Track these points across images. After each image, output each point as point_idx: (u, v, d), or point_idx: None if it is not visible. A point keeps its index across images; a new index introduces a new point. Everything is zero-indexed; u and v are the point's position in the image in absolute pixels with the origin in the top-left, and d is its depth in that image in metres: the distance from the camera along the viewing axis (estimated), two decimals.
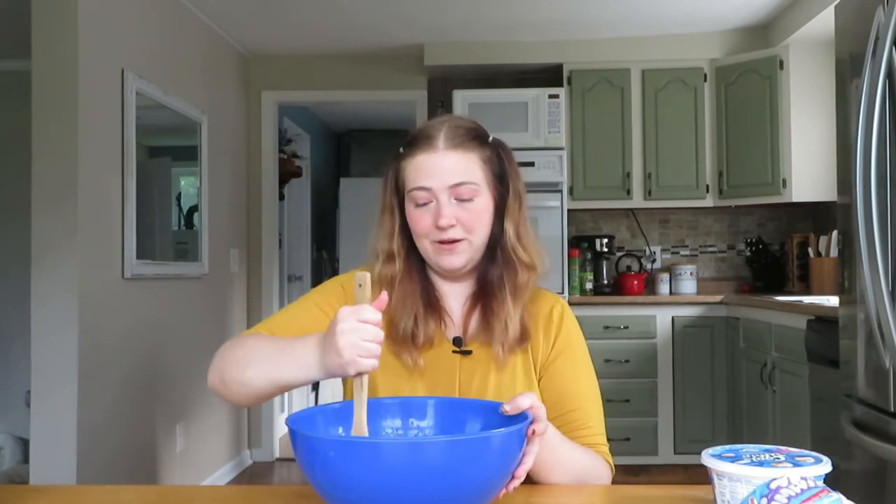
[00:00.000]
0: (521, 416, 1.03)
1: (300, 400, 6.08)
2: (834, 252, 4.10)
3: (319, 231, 6.92)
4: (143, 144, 3.48)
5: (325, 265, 7.05)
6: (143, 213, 3.45)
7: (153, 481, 3.55)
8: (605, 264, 4.89)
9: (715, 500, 0.97)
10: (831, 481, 0.91)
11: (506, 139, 1.41)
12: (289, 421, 0.98)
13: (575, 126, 4.65)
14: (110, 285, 3.22)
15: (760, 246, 4.74)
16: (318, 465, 0.92)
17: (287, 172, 5.78)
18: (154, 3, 3.69)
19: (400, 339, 1.31)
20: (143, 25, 3.56)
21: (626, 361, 4.38)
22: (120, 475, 3.24)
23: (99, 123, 3.14)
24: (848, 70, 2.34)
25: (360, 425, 1.02)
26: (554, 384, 1.34)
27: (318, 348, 1.07)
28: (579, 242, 4.82)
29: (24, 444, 3.88)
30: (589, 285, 4.76)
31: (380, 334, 1.03)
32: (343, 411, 1.09)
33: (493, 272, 1.34)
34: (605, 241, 4.84)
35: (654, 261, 4.99)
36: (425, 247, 1.32)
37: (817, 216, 4.71)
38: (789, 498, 0.82)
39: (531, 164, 4.31)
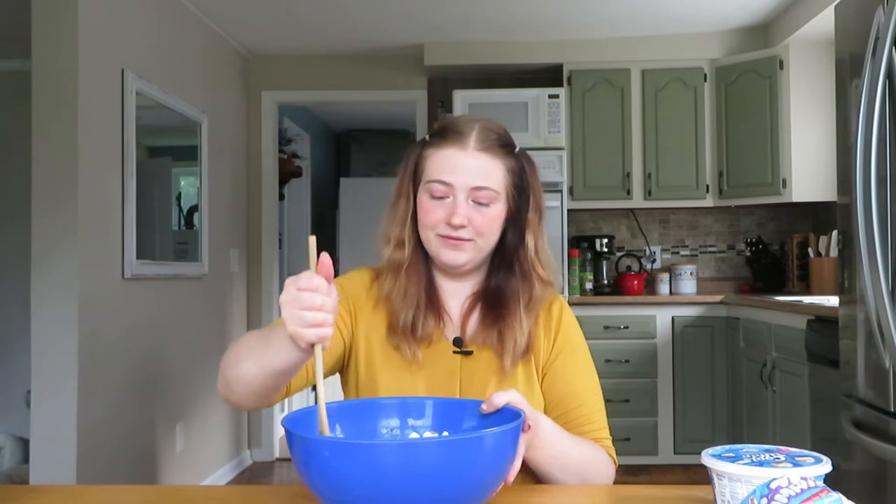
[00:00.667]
0: (514, 415, 1.04)
1: (300, 400, 6.09)
2: (834, 252, 4.10)
3: (319, 231, 6.92)
4: (143, 144, 3.48)
5: None
6: (143, 213, 3.45)
7: (153, 481, 3.55)
8: (605, 264, 4.89)
9: (715, 500, 0.97)
10: (831, 481, 0.91)
11: None
12: (285, 421, 0.99)
13: (575, 126, 4.65)
14: (110, 285, 3.22)
15: (760, 246, 4.75)
16: (313, 465, 0.92)
17: (287, 172, 5.78)
18: (154, 3, 3.69)
19: (400, 330, 1.31)
20: (143, 25, 3.57)
21: (626, 361, 4.38)
22: (120, 475, 3.24)
23: (99, 123, 3.14)
24: (848, 70, 2.34)
25: (320, 409, 1.00)
26: (556, 382, 1.34)
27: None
28: (579, 242, 4.82)
29: (24, 444, 3.88)
30: (589, 285, 4.76)
31: (325, 301, 0.94)
32: (340, 411, 1.09)
33: (510, 284, 1.33)
34: (605, 241, 4.84)
35: (654, 261, 4.99)
36: (430, 238, 1.31)
37: (817, 216, 4.71)
38: (789, 498, 0.82)
39: None
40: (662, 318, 4.44)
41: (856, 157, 2.10)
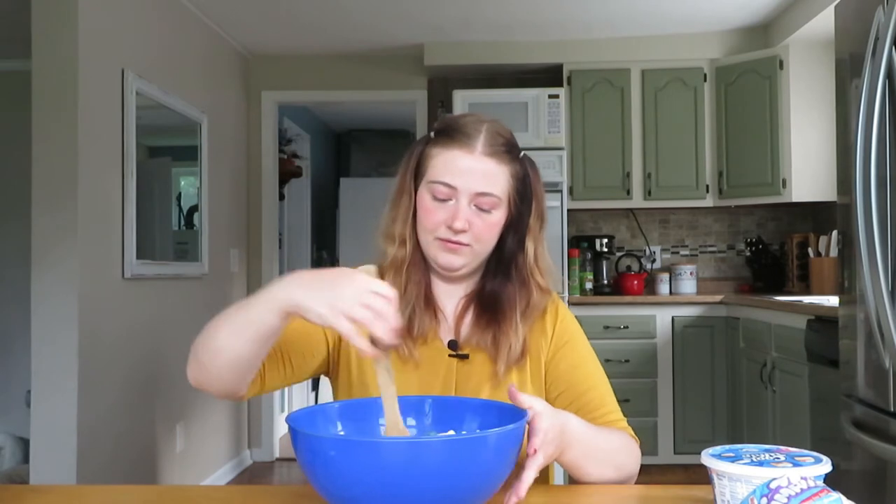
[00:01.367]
0: (518, 415, 1.04)
1: (300, 400, 6.09)
2: (834, 252, 4.10)
3: (319, 231, 6.92)
4: (143, 144, 3.48)
5: (324, 265, 7.05)
6: (143, 213, 3.45)
7: (153, 481, 3.55)
8: (605, 264, 4.89)
9: (715, 500, 0.97)
10: (831, 481, 0.91)
11: None
12: (289, 419, 0.99)
13: (575, 126, 4.65)
14: (110, 285, 3.22)
15: (760, 246, 4.75)
16: (318, 463, 0.92)
17: (287, 172, 5.78)
18: (154, 3, 3.69)
19: None
20: (143, 25, 3.56)
21: (626, 361, 4.38)
22: (120, 475, 3.24)
23: (99, 123, 3.14)
24: (848, 70, 2.34)
25: (394, 418, 1.05)
26: (561, 373, 1.34)
27: (289, 282, 1.05)
28: (579, 242, 4.82)
29: (24, 444, 3.88)
30: (589, 285, 4.76)
31: (387, 310, 1.00)
32: (343, 410, 1.09)
33: (506, 291, 1.32)
34: (605, 241, 4.84)
35: (653, 261, 4.99)
36: (428, 240, 1.30)
37: (817, 216, 4.71)
38: (789, 498, 0.82)
39: None
40: (662, 318, 4.44)
41: (856, 157, 2.10)
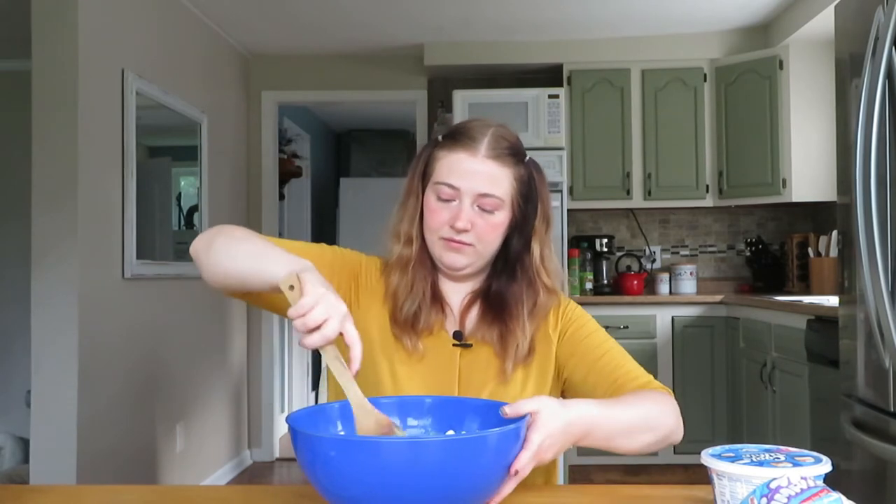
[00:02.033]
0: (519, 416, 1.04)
1: (300, 399, 6.09)
2: (834, 252, 4.10)
3: (319, 231, 6.92)
4: (143, 144, 3.48)
5: None
6: (143, 213, 3.45)
7: (153, 481, 3.55)
8: (604, 264, 4.89)
9: (715, 500, 0.97)
10: (831, 481, 0.91)
11: None
12: (289, 420, 0.99)
13: (575, 126, 4.65)
14: (110, 285, 3.22)
15: (760, 246, 4.75)
16: (318, 463, 0.92)
17: (287, 172, 5.78)
18: (154, 3, 3.69)
19: (402, 321, 1.33)
20: (143, 25, 3.57)
21: None
22: (120, 475, 3.24)
23: (99, 123, 3.14)
24: (848, 70, 2.34)
25: (358, 400, 1.05)
26: (575, 351, 1.35)
27: (312, 267, 1.09)
28: (579, 242, 4.82)
29: (24, 444, 3.88)
30: (589, 285, 4.76)
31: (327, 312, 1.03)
32: (343, 410, 1.09)
33: (513, 291, 1.35)
34: (605, 241, 4.84)
35: (653, 261, 5.00)
36: (433, 240, 1.34)
37: (817, 216, 4.71)
38: (789, 498, 0.82)
39: None
40: (662, 318, 4.44)
41: (856, 157, 2.10)
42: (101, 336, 3.12)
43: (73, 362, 2.93)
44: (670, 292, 4.79)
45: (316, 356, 6.31)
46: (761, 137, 4.42)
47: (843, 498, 0.81)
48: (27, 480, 3.15)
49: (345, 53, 4.97)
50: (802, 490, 0.82)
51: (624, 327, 4.41)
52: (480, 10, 4.24)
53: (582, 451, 4.31)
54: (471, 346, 1.34)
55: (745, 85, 4.51)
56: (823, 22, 3.81)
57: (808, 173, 4.31)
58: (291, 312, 1.01)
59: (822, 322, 2.97)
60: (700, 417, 4.39)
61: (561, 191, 4.39)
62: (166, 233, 3.87)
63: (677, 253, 5.02)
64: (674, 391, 1.32)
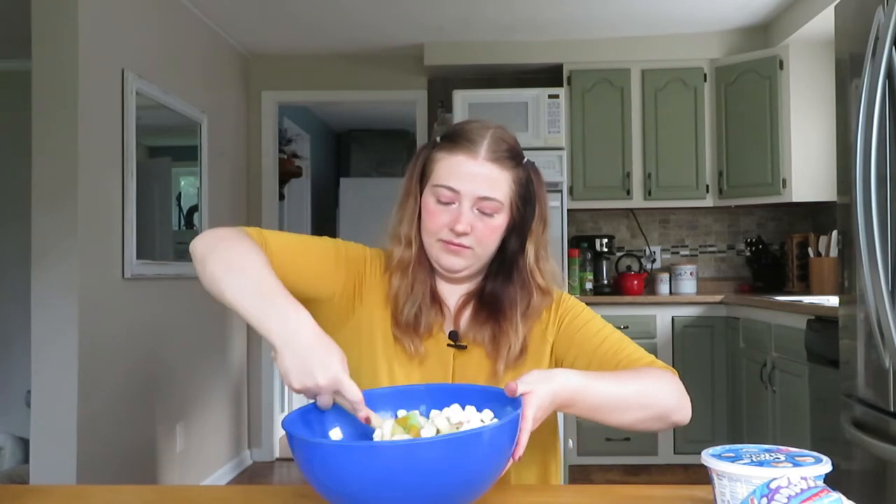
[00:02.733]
0: (512, 406, 1.06)
1: (300, 399, 6.08)
2: (834, 252, 4.10)
3: (319, 231, 6.91)
4: (143, 144, 3.48)
5: None
6: (143, 213, 3.45)
7: (153, 481, 3.55)
8: (605, 264, 4.89)
9: (715, 500, 0.97)
10: (831, 481, 0.91)
11: None
12: (285, 423, 1.00)
13: (575, 126, 4.65)
14: (110, 285, 3.22)
15: (760, 246, 4.75)
16: (316, 466, 0.93)
17: (287, 172, 5.78)
18: (154, 3, 3.69)
19: (402, 324, 1.33)
20: (143, 25, 3.56)
21: None
22: (120, 475, 3.24)
23: (99, 123, 3.14)
24: (848, 70, 2.34)
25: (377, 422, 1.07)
26: (573, 342, 1.36)
27: (289, 338, 1.07)
28: (579, 242, 4.82)
29: (24, 444, 3.88)
30: (589, 285, 4.76)
31: (325, 403, 1.07)
32: (335, 407, 1.10)
33: (507, 292, 1.35)
34: (605, 241, 4.84)
35: (653, 261, 4.99)
36: (431, 242, 1.33)
37: (817, 216, 4.71)
38: (789, 498, 0.82)
39: None
40: (662, 318, 4.44)
41: (856, 157, 2.10)
42: (101, 336, 3.12)
43: (73, 362, 2.93)
44: (670, 292, 4.79)
45: None
46: (761, 137, 4.42)
47: (843, 498, 0.81)
48: (27, 480, 3.15)
49: (345, 53, 4.97)
50: (802, 490, 0.82)
51: (624, 327, 4.41)
52: (480, 10, 4.24)
53: (582, 451, 4.32)
54: (465, 347, 1.35)
55: (745, 85, 4.51)
56: (823, 22, 3.81)
57: (808, 173, 4.31)
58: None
59: (822, 322, 2.97)
60: (700, 417, 4.38)
61: (561, 191, 4.39)
62: (166, 233, 3.87)
63: (677, 253, 5.02)
64: None
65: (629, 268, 4.95)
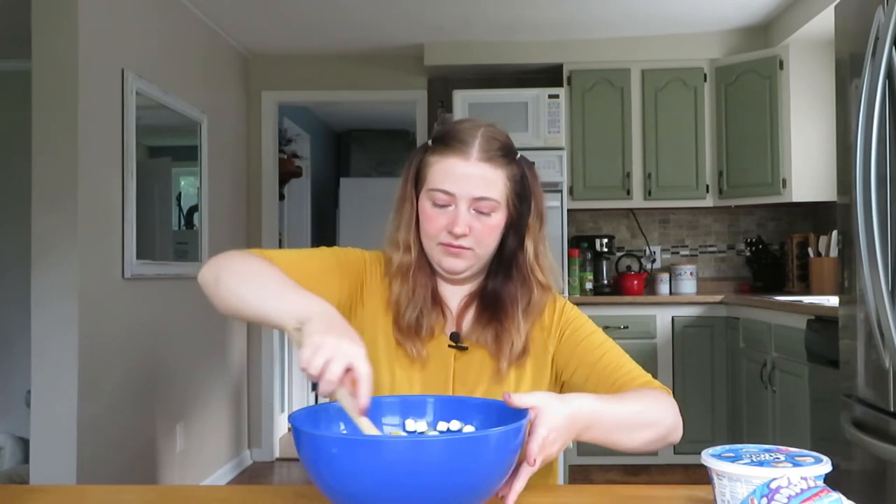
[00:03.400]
0: (519, 414, 1.04)
1: (300, 399, 6.09)
2: (834, 252, 4.10)
3: (319, 231, 6.92)
4: (143, 144, 3.48)
5: None
6: (143, 213, 3.45)
7: (153, 481, 3.55)
8: (605, 264, 4.89)
9: (715, 500, 0.97)
10: (831, 481, 0.91)
11: None
12: (292, 418, 1.00)
13: (575, 126, 4.65)
14: (110, 285, 3.22)
15: (760, 246, 4.75)
16: (321, 462, 0.93)
17: (287, 172, 5.78)
18: (154, 3, 3.69)
19: (405, 328, 1.33)
20: (143, 25, 3.56)
21: None
22: (120, 475, 3.24)
23: (99, 123, 3.14)
24: (848, 70, 2.34)
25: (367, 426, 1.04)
26: (573, 354, 1.35)
27: (318, 311, 1.07)
28: (579, 242, 4.82)
29: (24, 444, 3.88)
30: (589, 285, 4.76)
31: (337, 389, 1.01)
32: (341, 411, 1.09)
33: (508, 289, 1.35)
34: (605, 241, 4.84)
35: (653, 261, 5.00)
36: (431, 246, 1.34)
37: (817, 216, 4.71)
38: (789, 498, 0.82)
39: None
40: (662, 318, 4.44)
41: (856, 157, 2.10)
42: (101, 336, 3.12)
43: (73, 362, 2.93)
44: (670, 292, 4.79)
45: None
46: (761, 137, 4.42)
47: (843, 498, 0.81)
48: (27, 480, 3.15)
49: (345, 53, 4.97)
50: (802, 490, 0.82)
51: (624, 327, 4.41)
52: (480, 10, 4.24)
53: (582, 450, 4.32)
54: (466, 348, 1.35)
55: (745, 85, 4.51)
56: (823, 22, 3.81)
57: (808, 173, 4.31)
58: (299, 366, 1.02)
59: (822, 322, 2.97)
60: (700, 417, 4.39)
61: (561, 191, 4.39)
62: (166, 233, 3.87)
63: (677, 253, 5.02)
64: (674, 391, 1.32)
65: (629, 268, 4.95)
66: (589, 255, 4.80)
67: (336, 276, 1.34)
